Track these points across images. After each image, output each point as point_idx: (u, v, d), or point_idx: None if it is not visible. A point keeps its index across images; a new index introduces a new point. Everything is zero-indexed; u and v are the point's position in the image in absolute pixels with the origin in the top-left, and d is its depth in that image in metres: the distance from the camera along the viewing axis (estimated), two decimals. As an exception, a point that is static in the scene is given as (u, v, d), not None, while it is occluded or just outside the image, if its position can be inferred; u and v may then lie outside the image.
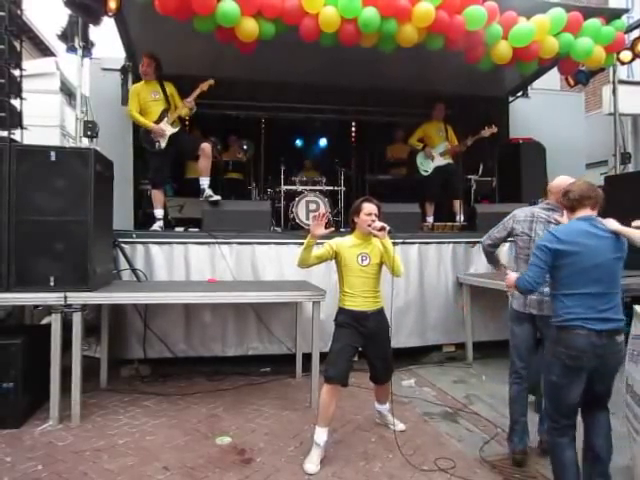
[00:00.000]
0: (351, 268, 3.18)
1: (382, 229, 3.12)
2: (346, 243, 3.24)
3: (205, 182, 5.24)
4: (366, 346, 3.27)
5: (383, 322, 3.30)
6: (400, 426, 3.51)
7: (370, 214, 3.17)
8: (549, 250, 2.42)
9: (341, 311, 3.23)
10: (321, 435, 3.03)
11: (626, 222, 2.57)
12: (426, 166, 6.60)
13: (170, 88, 5.24)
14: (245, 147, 7.46)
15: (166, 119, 5.13)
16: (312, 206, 6.22)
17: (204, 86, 5.08)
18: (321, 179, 6.99)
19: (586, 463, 2.52)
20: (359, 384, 4.15)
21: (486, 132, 6.24)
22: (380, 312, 3.28)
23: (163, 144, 5.13)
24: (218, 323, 4.77)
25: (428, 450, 3.21)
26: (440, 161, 6.55)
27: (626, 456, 2.74)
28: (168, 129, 5.12)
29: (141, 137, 5.26)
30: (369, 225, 3.13)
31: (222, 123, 7.41)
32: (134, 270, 4.59)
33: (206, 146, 5.26)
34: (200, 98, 5.23)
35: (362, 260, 3.19)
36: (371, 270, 3.21)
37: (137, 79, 5.67)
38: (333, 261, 3.26)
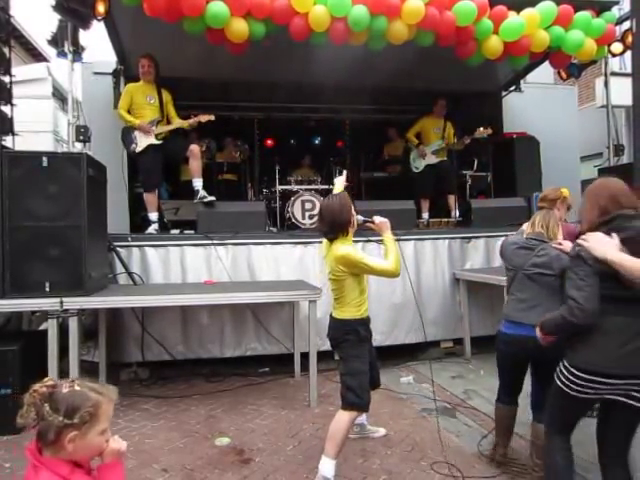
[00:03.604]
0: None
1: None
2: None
3: (198, 183, 5.21)
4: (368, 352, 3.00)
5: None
6: (381, 431, 3.38)
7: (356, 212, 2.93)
8: None
9: (360, 322, 2.81)
10: (331, 468, 2.66)
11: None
12: (417, 164, 6.64)
13: (167, 96, 5.19)
14: (239, 143, 7.46)
15: (154, 128, 5.08)
16: (308, 205, 6.21)
17: (202, 118, 5.04)
18: (316, 178, 6.98)
19: None
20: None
21: (480, 134, 6.13)
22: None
23: (138, 148, 5.06)
24: (216, 324, 4.76)
25: (426, 446, 3.22)
26: (432, 159, 6.54)
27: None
28: (152, 137, 5.07)
29: (121, 136, 5.18)
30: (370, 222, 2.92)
31: (217, 124, 7.37)
32: (130, 273, 4.59)
33: (194, 147, 5.24)
34: (194, 100, 5.22)
35: None
36: None
37: (129, 82, 5.66)
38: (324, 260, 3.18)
